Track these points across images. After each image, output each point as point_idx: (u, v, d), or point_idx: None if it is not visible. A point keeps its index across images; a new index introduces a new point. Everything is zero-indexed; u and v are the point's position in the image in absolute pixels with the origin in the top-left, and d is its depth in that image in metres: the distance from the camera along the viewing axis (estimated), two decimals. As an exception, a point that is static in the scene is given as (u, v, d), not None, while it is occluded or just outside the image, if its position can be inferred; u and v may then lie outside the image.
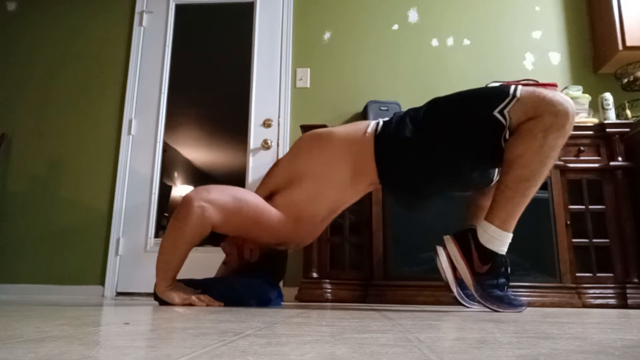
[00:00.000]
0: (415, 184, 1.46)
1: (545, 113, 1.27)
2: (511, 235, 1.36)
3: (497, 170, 1.49)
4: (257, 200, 1.53)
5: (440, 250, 1.42)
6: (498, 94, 1.35)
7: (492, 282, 1.35)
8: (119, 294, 2.70)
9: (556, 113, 1.27)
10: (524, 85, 2.49)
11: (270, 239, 1.60)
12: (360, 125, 1.56)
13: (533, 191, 1.33)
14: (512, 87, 1.35)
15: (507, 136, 1.33)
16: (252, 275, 1.65)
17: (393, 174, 1.47)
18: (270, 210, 1.52)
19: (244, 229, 1.54)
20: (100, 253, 2.76)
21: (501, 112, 1.31)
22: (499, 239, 1.34)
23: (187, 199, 1.44)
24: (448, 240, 1.42)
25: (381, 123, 1.52)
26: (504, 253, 1.36)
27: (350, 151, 1.50)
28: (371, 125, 1.52)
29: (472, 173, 1.50)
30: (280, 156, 2.56)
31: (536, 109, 1.29)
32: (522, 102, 1.31)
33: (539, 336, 0.65)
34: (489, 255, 1.35)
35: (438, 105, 1.47)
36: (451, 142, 1.39)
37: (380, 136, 1.47)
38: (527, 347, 0.52)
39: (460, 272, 1.39)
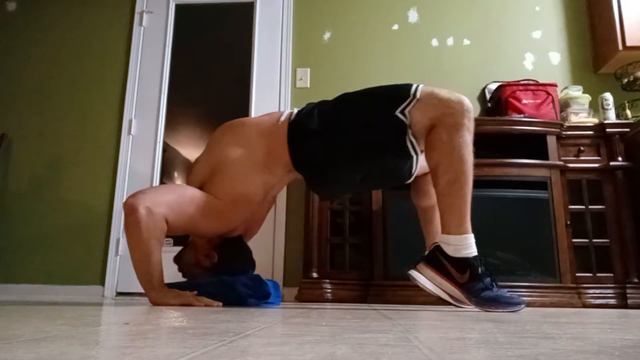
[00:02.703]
0: (322, 171, 1.56)
1: (444, 115, 1.38)
2: (471, 234, 1.37)
3: (414, 165, 1.51)
4: (192, 189, 1.58)
5: (415, 274, 1.41)
6: (400, 94, 1.45)
7: (479, 286, 1.35)
8: (119, 294, 2.70)
9: (453, 113, 1.38)
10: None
11: (220, 227, 1.62)
12: (273, 114, 1.67)
13: (468, 188, 1.38)
14: (414, 87, 1.45)
15: (410, 134, 1.42)
16: (233, 270, 1.64)
17: (302, 160, 1.55)
18: (208, 196, 1.55)
19: (193, 221, 1.53)
20: (100, 253, 2.76)
21: (402, 112, 1.42)
22: (462, 244, 1.36)
23: (130, 207, 1.42)
24: (422, 268, 1.42)
25: (295, 112, 1.61)
26: (475, 254, 1.37)
27: (263, 136, 1.59)
28: (285, 114, 1.62)
29: (379, 166, 1.53)
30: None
31: (435, 110, 1.40)
32: (422, 102, 1.42)
33: (539, 336, 0.65)
34: (463, 263, 1.36)
35: (345, 101, 1.57)
36: (355, 137, 1.49)
37: (292, 124, 1.56)
38: (527, 347, 0.52)
39: (447, 291, 1.39)
